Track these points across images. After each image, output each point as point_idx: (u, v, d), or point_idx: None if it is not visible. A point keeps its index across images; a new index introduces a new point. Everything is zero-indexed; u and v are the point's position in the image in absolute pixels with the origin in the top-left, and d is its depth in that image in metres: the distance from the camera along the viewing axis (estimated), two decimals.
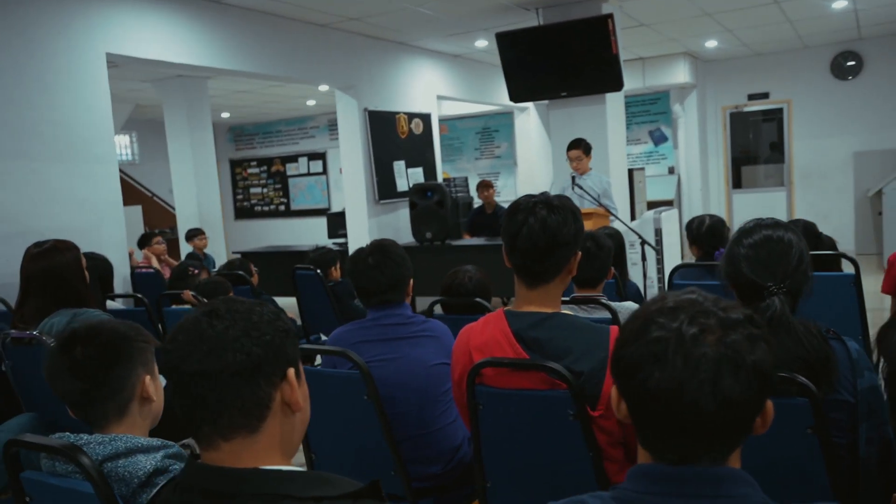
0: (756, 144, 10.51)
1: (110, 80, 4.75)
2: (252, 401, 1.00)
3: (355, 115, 7.10)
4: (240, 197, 13.89)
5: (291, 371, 1.05)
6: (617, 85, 6.14)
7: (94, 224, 4.57)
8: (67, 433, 1.38)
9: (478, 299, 2.65)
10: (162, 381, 1.54)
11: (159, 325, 3.53)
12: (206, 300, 3.34)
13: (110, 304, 3.78)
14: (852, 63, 9.34)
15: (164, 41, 5.17)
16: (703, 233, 3.35)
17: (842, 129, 9.52)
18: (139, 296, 3.51)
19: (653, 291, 5.50)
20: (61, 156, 4.40)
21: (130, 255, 5.77)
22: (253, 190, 13.74)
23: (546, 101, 6.89)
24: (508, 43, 6.46)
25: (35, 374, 2.68)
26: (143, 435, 1.46)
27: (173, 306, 3.71)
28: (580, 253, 1.79)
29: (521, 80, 6.56)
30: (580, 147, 5.63)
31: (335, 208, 12.28)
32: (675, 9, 6.93)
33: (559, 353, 1.66)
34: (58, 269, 2.62)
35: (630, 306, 2.51)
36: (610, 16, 5.90)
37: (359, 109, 7.09)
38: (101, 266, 3.76)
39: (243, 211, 13.87)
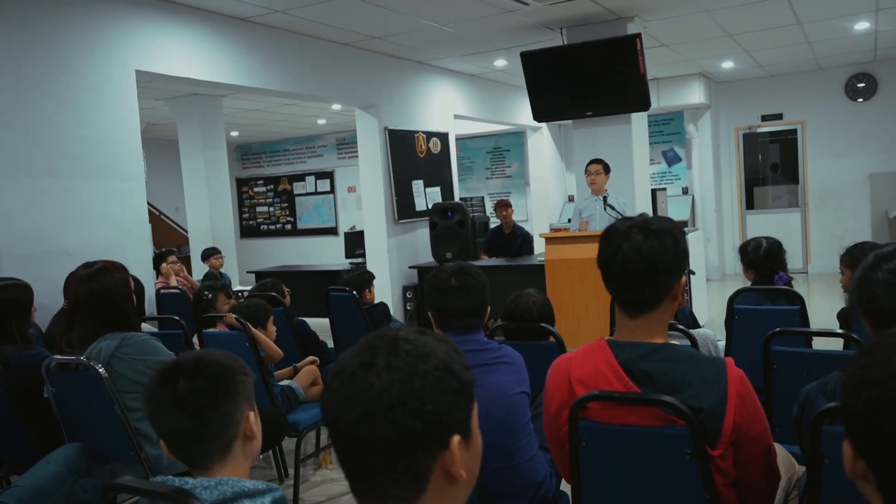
0: (770, 166, 10.47)
1: None
2: (406, 473, 0.88)
3: (375, 135, 7.03)
4: (246, 215, 13.80)
5: (456, 439, 0.89)
6: (644, 104, 6.09)
7: (121, 242, 4.47)
8: (171, 476, 1.27)
9: (543, 324, 2.56)
10: None
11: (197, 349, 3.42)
12: (248, 323, 3.24)
13: (144, 326, 3.65)
14: (863, 84, 9.34)
15: (191, 58, 5.11)
16: (761, 256, 3.26)
17: (857, 150, 9.49)
18: (176, 318, 3.40)
19: None
20: (90, 173, 4.30)
21: None
22: (259, 209, 13.66)
23: (564, 122, 6.84)
24: (532, 62, 6.42)
25: (80, 402, 2.57)
26: (244, 476, 1.36)
27: (209, 329, 3.59)
28: (685, 278, 1.69)
29: (544, 100, 6.51)
30: (601, 163, 5.61)
31: (343, 227, 12.20)
32: (698, 30, 6.91)
33: (674, 386, 1.56)
34: (108, 292, 2.51)
35: (706, 333, 2.42)
36: (638, 35, 5.86)
37: (379, 128, 7.03)
38: (134, 287, 3.65)
39: (249, 230, 13.77)
